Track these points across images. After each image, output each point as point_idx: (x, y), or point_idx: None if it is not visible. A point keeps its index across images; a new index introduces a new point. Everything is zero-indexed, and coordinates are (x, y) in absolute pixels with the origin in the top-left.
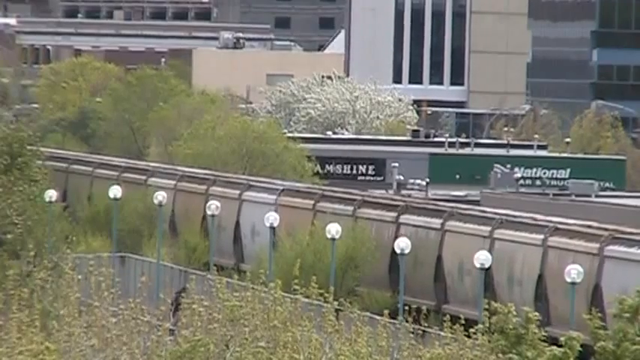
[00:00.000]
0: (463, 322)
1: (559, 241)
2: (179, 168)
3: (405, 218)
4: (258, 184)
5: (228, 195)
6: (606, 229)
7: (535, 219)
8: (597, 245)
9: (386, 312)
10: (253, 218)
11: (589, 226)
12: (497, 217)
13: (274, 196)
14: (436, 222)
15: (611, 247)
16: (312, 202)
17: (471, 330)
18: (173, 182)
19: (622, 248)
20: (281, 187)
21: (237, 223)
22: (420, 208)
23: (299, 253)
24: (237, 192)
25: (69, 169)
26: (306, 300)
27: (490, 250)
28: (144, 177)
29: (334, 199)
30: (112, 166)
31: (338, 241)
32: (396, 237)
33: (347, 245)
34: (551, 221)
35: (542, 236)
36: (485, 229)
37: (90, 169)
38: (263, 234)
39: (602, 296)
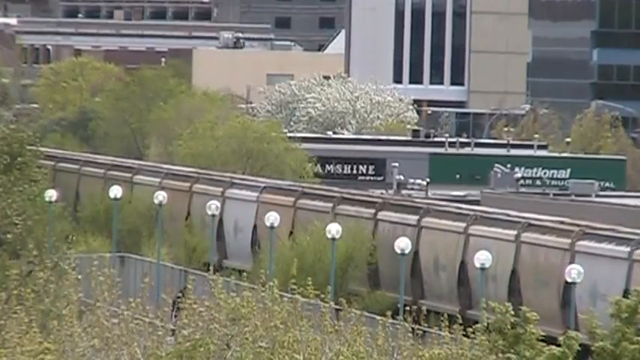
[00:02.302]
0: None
1: (532, 237)
2: (164, 166)
3: (382, 215)
4: (240, 181)
5: (210, 192)
6: (578, 225)
7: (509, 215)
8: (569, 241)
9: (388, 313)
10: (235, 215)
11: (561, 222)
12: (472, 213)
13: (256, 194)
14: (413, 218)
15: (581, 243)
16: (293, 199)
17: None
18: (158, 180)
19: (592, 244)
20: (263, 185)
21: (221, 220)
22: (398, 205)
23: (282, 253)
24: (220, 189)
25: (56, 167)
26: (304, 300)
27: (465, 246)
28: (129, 175)
29: (315, 196)
30: (98, 164)
31: (319, 240)
32: (374, 233)
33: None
34: (524, 217)
35: (515, 232)
36: (461, 225)
37: (77, 166)
38: (245, 231)
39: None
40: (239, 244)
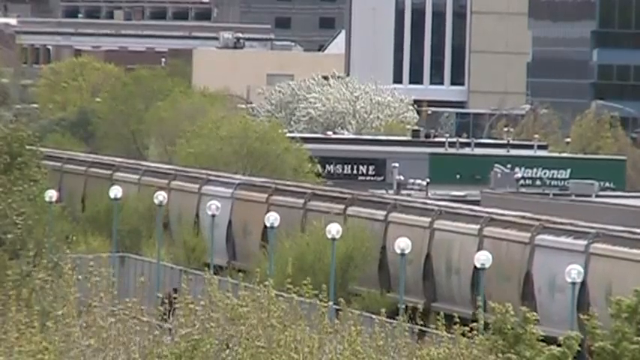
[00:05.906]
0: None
1: (493, 231)
2: (143, 163)
3: (352, 210)
4: (216, 178)
5: (187, 189)
6: (538, 220)
7: (472, 210)
8: (528, 235)
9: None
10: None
11: (522, 217)
12: (437, 208)
13: (231, 190)
14: (380, 214)
15: (541, 237)
16: (266, 195)
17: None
18: (137, 177)
19: (551, 237)
20: (237, 182)
21: (197, 216)
22: (366, 201)
23: (254, 251)
24: (197, 186)
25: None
26: (300, 299)
27: (430, 240)
28: (109, 172)
29: (286, 192)
30: (79, 161)
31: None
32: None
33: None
34: (487, 212)
35: (478, 226)
36: (426, 219)
37: (59, 164)
38: (220, 227)
39: (533, 283)
40: (214, 239)
